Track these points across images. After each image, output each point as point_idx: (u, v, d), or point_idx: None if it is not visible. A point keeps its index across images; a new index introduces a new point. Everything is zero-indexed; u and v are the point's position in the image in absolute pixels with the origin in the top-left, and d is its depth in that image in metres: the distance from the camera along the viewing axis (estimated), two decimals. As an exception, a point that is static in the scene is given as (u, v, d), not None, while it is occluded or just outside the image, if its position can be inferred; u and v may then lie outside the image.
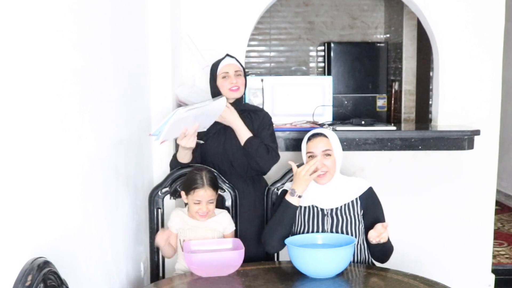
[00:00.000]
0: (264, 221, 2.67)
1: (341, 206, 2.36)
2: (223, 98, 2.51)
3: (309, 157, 2.37)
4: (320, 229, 2.34)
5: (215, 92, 2.64)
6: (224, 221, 2.45)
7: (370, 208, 2.38)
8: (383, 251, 2.33)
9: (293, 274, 2.13)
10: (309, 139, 2.40)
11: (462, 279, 3.40)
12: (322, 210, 2.36)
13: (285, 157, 3.06)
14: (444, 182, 3.42)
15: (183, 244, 2.30)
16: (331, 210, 2.36)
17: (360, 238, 2.36)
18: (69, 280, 1.62)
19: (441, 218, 3.44)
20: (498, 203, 5.53)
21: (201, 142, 2.58)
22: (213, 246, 2.27)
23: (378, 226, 2.24)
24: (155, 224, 2.57)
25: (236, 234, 2.54)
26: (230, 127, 2.61)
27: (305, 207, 2.38)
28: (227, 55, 2.68)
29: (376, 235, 2.22)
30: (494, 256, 3.82)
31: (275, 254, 2.69)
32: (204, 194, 2.35)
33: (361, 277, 2.21)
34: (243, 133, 2.58)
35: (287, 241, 2.18)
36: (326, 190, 2.37)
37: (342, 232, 2.33)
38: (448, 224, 3.45)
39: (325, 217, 2.35)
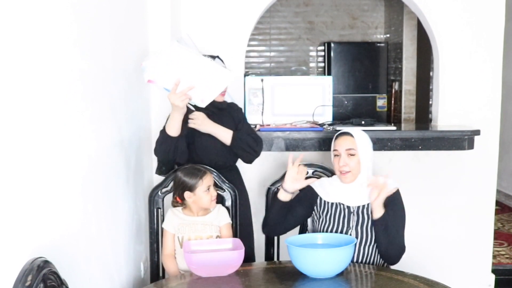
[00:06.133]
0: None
1: (367, 204, 2.35)
2: (229, 72, 2.48)
3: (334, 155, 2.41)
4: (345, 227, 2.35)
5: None
6: (220, 214, 2.47)
7: (390, 208, 2.32)
8: (390, 244, 2.29)
9: (293, 274, 2.13)
10: (336, 137, 2.45)
11: (462, 279, 3.40)
12: (348, 207, 2.37)
13: (285, 157, 3.06)
14: (444, 182, 3.42)
15: (183, 244, 2.30)
16: (357, 208, 2.36)
17: None
18: (69, 280, 1.62)
19: (441, 218, 3.44)
20: (498, 203, 5.53)
21: (192, 108, 2.57)
22: (213, 246, 2.27)
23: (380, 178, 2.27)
24: (155, 224, 2.58)
25: (236, 234, 2.55)
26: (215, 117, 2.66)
27: (331, 204, 2.40)
28: (217, 56, 2.72)
29: (374, 182, 2.25)
30: (494, 256, 3.82)
31: (275, 254, 2.70)
32: (210, 177, 2.44)
33: (361, 277, 2.21)
34: (225, 134, 2.63)
35: (287, 241, 2.18)
36: (351, 188, 2.38)
37: (367, 231, 2.32)
38: (448, 224, 3.45)
39: (351, 215, 2.36)
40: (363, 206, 2.36)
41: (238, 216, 2.60)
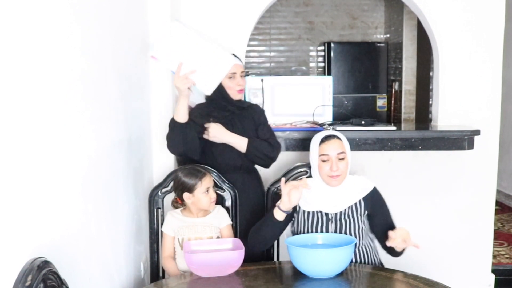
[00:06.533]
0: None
1: (345, 210, 2.33)
2: (230, 56, 2.51)
3: (323, 160, 2.31)
4: None
5: (220, 91, 2.60)
6: (220, 216, 2.47)
7: (376, 209, 2.35)
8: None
9: (293, 274, 2.13)
10: (322, 141, 2.34)
11: (462, 279, 3.40)
12: (326, 214, 2.33)
13: (285, 157, 3.07)
14: (444, 182, 3.42)
15: (183, 244, 2.30)
16: (335, 214, 2.33)
17: (364, 240, 2.34)
18: (69, 280, 1.62)
19: (441, 218, 3.44)
20: (498, 203, 5.53)
21: (193, 91, 2.55)
22: (213, 246, 2.27)
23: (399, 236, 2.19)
24: (155, 224, 2.58)
25: (236, 233, 2.55)
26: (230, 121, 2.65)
27: (309, 212, 2.36)
28: (233, 54, 2.69)
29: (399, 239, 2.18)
30: (494, 256, 3.82)
31: (275, 254, 2.70)
32: (210, 179, 2.43)
33: (361, 277, 2.21)
34: (240, 143, 2.61)
35: (287, 241, 2.18)
36: (331, 194, 2.34)
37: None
38: (448, 224, 3.45)
39: (329, 222, 2.33)
40: (341, 212, 2.33)
41: (239, 217, 2.60)
